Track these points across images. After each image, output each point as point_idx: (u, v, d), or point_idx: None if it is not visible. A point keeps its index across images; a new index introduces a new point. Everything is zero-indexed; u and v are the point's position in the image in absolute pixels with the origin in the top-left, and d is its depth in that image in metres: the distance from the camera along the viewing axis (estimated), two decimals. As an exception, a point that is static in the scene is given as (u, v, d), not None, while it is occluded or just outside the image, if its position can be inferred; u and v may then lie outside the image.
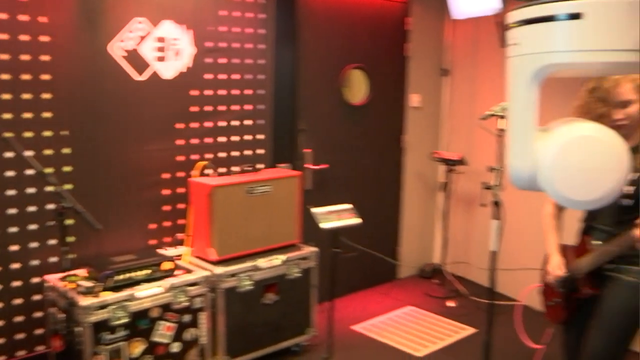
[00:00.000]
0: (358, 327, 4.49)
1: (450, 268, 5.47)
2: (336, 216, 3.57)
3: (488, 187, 2.89)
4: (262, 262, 3.71)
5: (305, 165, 4.58)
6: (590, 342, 2.61)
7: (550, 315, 2.84)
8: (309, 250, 3.97)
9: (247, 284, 3.62)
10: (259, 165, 4.23)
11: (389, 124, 5.31)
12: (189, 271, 3.49)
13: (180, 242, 3.91)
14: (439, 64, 5.56)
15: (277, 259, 3.78)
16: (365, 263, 5.13)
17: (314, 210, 3.54)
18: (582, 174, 1.51)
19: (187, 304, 3.35)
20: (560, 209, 2.83)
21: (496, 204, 2.68)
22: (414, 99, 5.39)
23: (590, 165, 1.52)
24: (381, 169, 5.31)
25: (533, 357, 3.38)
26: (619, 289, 2.54)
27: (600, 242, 2.54)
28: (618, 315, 2.54)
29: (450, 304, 4.96)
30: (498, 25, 4.40)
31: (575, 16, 1.38)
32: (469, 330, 4.45)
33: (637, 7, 1.36)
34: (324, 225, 3.49)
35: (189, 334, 3.38)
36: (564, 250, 2.75)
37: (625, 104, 2.44)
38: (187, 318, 3.37)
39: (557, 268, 2.70)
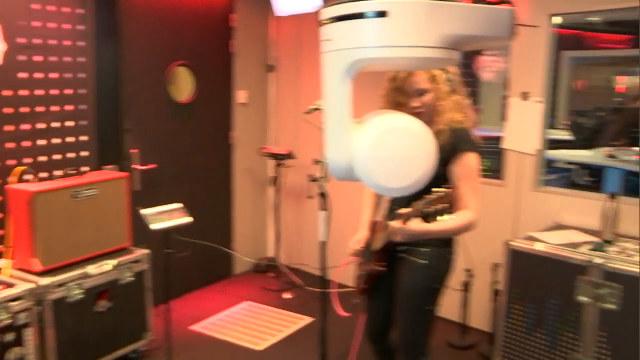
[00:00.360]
0: (197, 327, 4.45)
1: (285, 260, 5.59)
2: (167, 216, 3.51)
3: (314, 180, 2.98)
4: (92, 269, 3.54)
5: (133, 166, 4.44)
6: (397, 326, 2.78)
7: (358, 286, 2.98)
8: (141, 253, 3.86)
9: (77, 293, 3.44)
10: (83, 169, 4.02)
11: (217, 121, 5.29)
12: (10, 285, 3.24)
13: (0, 255, 3.63)
14: (264, 60, 5.63)
15: (108, 265, 3.63)
16: (200, 262, 5.09)
17: (144, 211, 3.45)
18: (395, 163, 1.62)
19: (9, 321, 3.11)
20: None
21: (323, 195, 2.77)
22: (241, 96, 5.41)
23: (402, 155, 1.63)
24: (211, 166, 5.28)
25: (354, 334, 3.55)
26: (409, 271, 2.70)
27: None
28: (412, 297, 2.70)
29: (287, 296, 5.07)
30: (320, 22, 4.55)
31: (382, 14, 1.48)
32: (307, 320, 4.58)
33: (438, 8, 1.48)
34: (155, 226, 3.42)
35: (12, 355, 3.14)
36: (375, 226, 2.86)
37: (420, 92, 2.55)
38: (10, 337, 3.11)
39: (355, 242, 2.84)
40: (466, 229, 2.55)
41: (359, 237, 2.87)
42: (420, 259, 2.67)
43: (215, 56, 5.16)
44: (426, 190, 2.38)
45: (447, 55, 1.52)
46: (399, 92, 2.59)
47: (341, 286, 4.03)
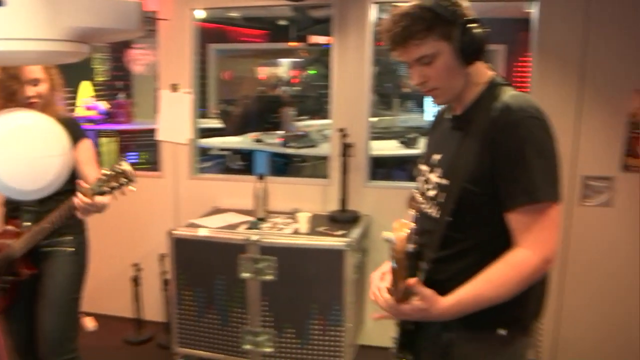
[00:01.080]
0: None
1: None
2: None
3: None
4: None
5: None
6: (43, 322, 2.67)
7: None
8: None
9: None
10: None
11: None
12: None
13: None
14: None
15: None
16: None
17: None
18: (27, 164, 1.55)
19: None
20: None
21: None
22: None
23: (33, 154, 1.56)
24: None
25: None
26: (57, 263, 2.68)
27: (30, 223, 2.57)
28: (62, 288, 2.68)
29: None
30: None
31: (-2, 4, 1.38)
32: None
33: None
34: None
35: None
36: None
37: (35, 81, 2.52)
38: None
39: None
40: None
41: None
42: (67, 247, 2.69)
43: None
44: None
45: (74, 48, 1.48)
46: (13, 80, 2.49)
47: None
